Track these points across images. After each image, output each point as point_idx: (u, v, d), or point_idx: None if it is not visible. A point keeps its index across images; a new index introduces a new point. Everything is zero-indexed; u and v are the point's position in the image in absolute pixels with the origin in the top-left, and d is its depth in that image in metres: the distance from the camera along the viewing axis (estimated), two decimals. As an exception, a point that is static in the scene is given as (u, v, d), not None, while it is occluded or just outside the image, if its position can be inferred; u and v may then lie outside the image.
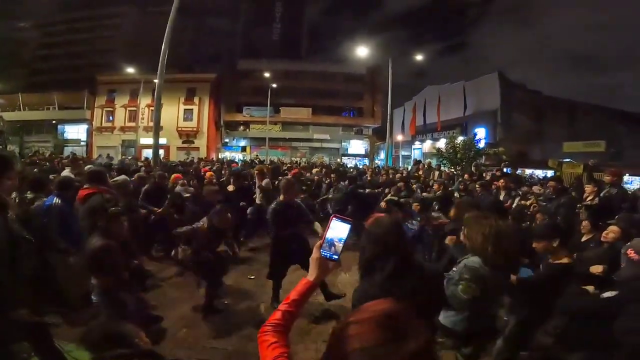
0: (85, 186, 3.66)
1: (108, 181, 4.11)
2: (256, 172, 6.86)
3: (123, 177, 5.08)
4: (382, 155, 32.94)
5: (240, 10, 41.11)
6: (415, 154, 29.10)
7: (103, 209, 2.92)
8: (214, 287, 3.62)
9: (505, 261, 1.85)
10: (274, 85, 27.95)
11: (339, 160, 29.56)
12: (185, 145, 30.33)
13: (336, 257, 1.03)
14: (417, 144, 30.27)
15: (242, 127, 33.96)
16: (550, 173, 11.52)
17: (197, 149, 30.05)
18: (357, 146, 35.19)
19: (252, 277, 4.62)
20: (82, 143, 31.17)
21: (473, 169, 12.03)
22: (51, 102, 31.15)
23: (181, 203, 5.18)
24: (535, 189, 6.95)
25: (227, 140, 34.10)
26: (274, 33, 42.47)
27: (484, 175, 9.89)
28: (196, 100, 31.09)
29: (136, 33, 37.02)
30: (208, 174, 7.40)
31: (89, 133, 31.23)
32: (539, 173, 15.74)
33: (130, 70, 22.99)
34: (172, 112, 29.00)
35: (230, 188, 6.18)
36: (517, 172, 13.51)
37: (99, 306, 2.70)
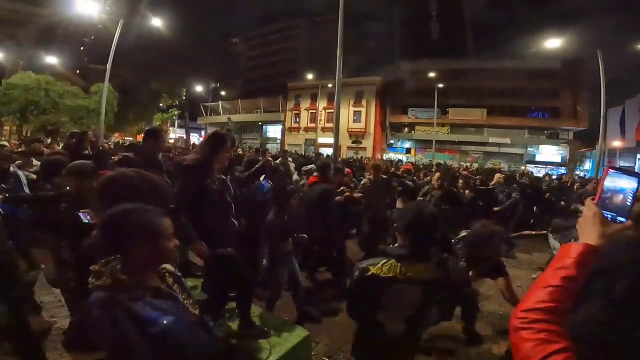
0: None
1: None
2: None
3: (311, 166, 6.05)
4: (588, 165, 25.83)
5: (394, 13, 41.00)
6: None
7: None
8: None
9: None
10: (440, 85, 26.33)
11: (523, 168, 25.05)
12: (354, 145, 32.65)
13: (623, 219, 0.77)
14: (644, 152, 22.09)
15: (406, 129, 33.66)
16: None
17: (364, 149, 31.81)
18: (550, 152, 28.83)
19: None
20: (278, 141, 38.07)
21: None
22: (258, 107, 39.62)
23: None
24: None
25: (391, 141, 34.60)
26: (432, 32, 40.26)
27: None
28: (364, 102, 32.69)
29: (310, 42, 42.76)
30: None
31: (282, 132, 37.86)
32: None
33: (309, 76, 26.66)
34: (344, 114, 31.63)
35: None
36: None
37: (268, 270, 3.18)
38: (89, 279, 1.10)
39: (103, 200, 1.48)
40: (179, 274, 1.35)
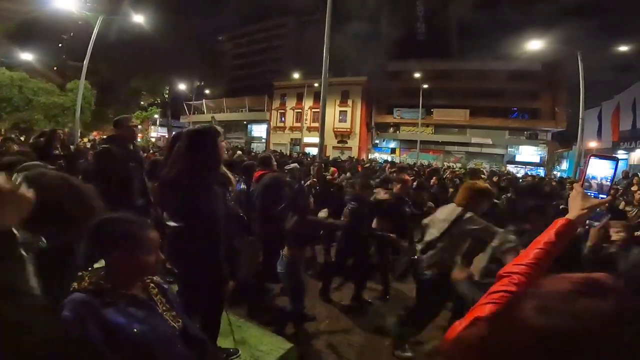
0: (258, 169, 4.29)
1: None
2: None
3: (294, 164, 5.96)
4: (565, 164, 26.69)
5: (382, 13, 41.42)
6: (619, 166, 22.12)
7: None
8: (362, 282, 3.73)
9: None
10: (425, 86, 26.72)
11: (503, 168, 25.67)
12: (339, 145, 32.73)
13: (604, 195, 0.97)
14: (621, 153, 22.97)
15: (392, 129, 33.98)
16: None
17: (350, 148, 31.95)
18: (529, 153, 29.66)
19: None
20: (263, 140, 37.83)
21: None
22: (243, 106, 39.19)
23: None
24: None
25: (377, 141, 34.85)
26: (418, 33, 40.93)
27: None
28: (349, 102, 32.88)
29: (296, 41, 42.61)
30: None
31: (268, 132, 37.60)
32: None
33: (296, 75, 26.59)
34: (330, 114, 31.71)
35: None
36: None
37: (282, 276, 3.01)
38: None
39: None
40: (165, 286, 1.35)
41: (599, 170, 0.99)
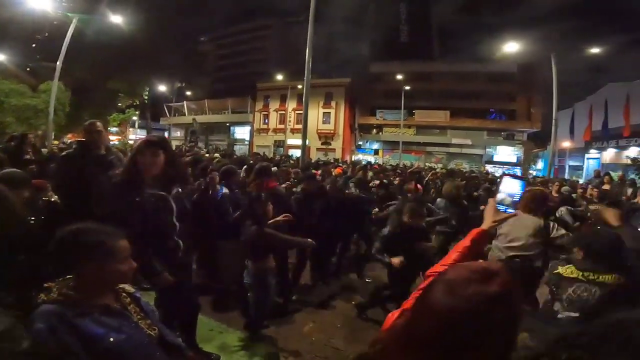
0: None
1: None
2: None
3: (274, 169, 5.98)
4: (540, 164, 27.67)
5: (367, 15, 41.94)
6: (590, 165, 23.14)
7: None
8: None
9: None
10: (407, 88, 27.17)
11: (482, 168, 26.36)
12: (323, 146, 32.80)
13: (511, 210, 1.16)
14: (592, 153, 24.04)
15: (375, 130, 34.35)
16: None
17: (334, 150, 32.07)
18: (507, 153, 30.61)
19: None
20: (246, 142, 37.46)
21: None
22: (226, 107, 38.69)
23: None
24: None
25: (360, 142, 35.13)
26: (401, 35, 41.58)
27: None
28: (333, 104, 33.00)
29: (281, 43, 42.46)
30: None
31: (251, 134, 37.25)
32: None
33: (279, 77, 26.51)
34: (313, 115, 31.67)
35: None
36: None
37: (250, 287, 2.94)
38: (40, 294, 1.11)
39: None
40: (138, 295, 1.34)
41: (510, 187, 1.17)
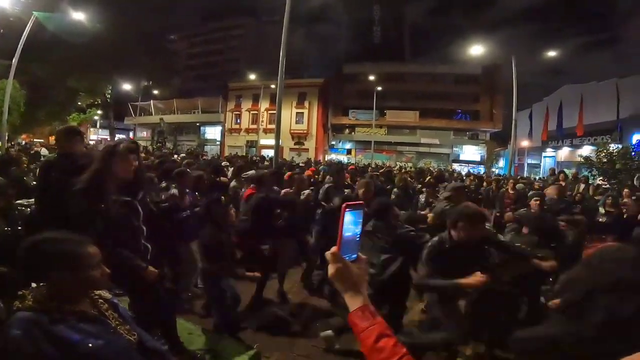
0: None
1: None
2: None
3: (252, 171, 5.82)
4: (502, 162, 29.22)
5: (341, 16, 42.61)
6: (547, 163, 24.79)
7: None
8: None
9: None
10: (379, 88, 27.79)
11: (449, 167, 27.45)
12: (296, 146, 32.77)
13: (354, 255, 0.82)
14: (549, 151, 25.78)
15: (347, 130, 34.78)
16: None
17: (307, 150, 32.15)
18: (471, 152, 32.12)
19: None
20: (217, 143, 36.62)
21: (636, 182, 9.65)
22: (196, 107, 37.61)
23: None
24: None
25: (333, 142, 35.45)
26: (374, 36, 42.49)
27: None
28: (306, 104, 33.03)
29: (255, 42, 42.02)
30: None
31: (222, 134, 36.47)
32: None
33: (252, 77, 26.24)
34: (286, 115, 31.49)
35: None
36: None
37: (203, 289, 2.99)
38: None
39: None
40: (115, 301, 1.35)
41: (351, 224, 0.80)
